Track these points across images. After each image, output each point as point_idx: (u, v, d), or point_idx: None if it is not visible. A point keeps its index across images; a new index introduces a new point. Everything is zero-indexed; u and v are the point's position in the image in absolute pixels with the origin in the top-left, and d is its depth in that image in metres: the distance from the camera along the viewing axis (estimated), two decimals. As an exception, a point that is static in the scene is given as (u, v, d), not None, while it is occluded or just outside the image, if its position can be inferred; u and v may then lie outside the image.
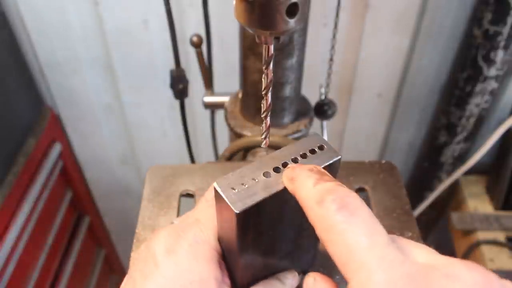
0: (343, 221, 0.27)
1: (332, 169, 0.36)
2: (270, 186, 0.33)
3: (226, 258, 0.37)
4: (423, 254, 0.28)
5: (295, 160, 0.35)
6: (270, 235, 0.37)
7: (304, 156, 0.36)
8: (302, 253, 0.44)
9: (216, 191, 0.33)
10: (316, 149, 0.36)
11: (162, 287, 0.33)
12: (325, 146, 0.37)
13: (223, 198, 0.32)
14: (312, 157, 0.36)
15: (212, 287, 0.33)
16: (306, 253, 0.45)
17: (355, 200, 0.29)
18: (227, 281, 0.36)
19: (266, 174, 0.34)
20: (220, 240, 0.37)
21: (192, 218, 0.37)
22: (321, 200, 0.29)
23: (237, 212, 0.31)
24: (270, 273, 0.41)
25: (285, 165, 0.35)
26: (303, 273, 0.47)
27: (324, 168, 0.35)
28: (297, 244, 0.42)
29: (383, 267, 0.25)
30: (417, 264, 0.26)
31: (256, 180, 0.33)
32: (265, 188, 0.33)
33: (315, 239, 0.44)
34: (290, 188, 0.33)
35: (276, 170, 0.34)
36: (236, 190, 0.32)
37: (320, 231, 0.28)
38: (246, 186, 0.33)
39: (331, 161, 0.36)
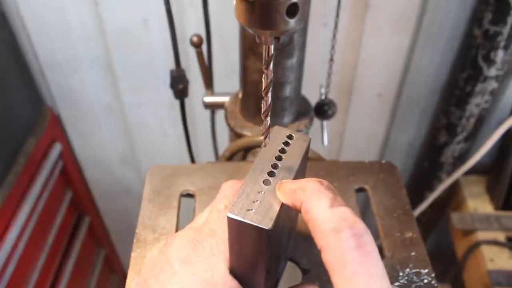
0: (358, 261, 0.28)
1: (307, 152, 0.38)
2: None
3: (242, 279, 0.37)
4: None
5: (279, 158, 0.37)
6: (281, 237, 0.37)
7: (283, 151, 0.37)
8: (291, 241, 0.45)
9: (234, 220, 0.32)
10: (288, 140, 0.38)
11: None
12: (293, 135, 0.38)
13: (248, 223, 0.32)
14: (291, 149, 0.37)
15: None
16: (290, 240, 0.46)
17: (371, 240, 0.29)
18: None
19: (266, 182, 0.35)
20: (233, 264, 0.36)
21: (207, 228, 0.38)
22: (338, 230, 0.29)
23: (269, 228, 0.31)
24: (278, 273, 0.41)
25: (275, 166, 0.36)
26: (290, 260, 0.48)
27: (305, 153, 0.37)
28: (290, 234, 0.43)
29: None
30: None
31: (263, 192, 0.34)
32: (275, 196, 0.34)
33: (294, 225, 0.45)
34: (292, 201, 0.32)
35: (271, 174, 0.35)
36: (253, 210, 0.32)
37: (329, 260, 0.29)
38: (258, 201, 0.33)
39: (307, 146, 0.38)
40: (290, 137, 0.38)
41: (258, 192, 0.34)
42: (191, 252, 0.35)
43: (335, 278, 0.28)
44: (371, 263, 0.28)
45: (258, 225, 0.31)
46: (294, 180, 0.34)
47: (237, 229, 0.33)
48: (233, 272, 0.36)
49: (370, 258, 0.28)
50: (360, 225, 0.30)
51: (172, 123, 1.33)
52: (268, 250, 0.33)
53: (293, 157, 0.37)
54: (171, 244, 0.37)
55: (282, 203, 0.33)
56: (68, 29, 1.11)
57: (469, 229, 1.26)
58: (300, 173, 0.38)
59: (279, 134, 0.39)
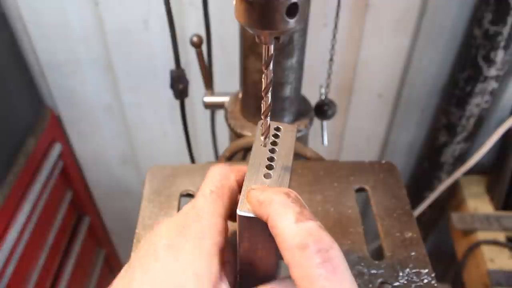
0: (325, 277, 0.28)
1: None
2: (279, 182, 0.35)
3: (247, 271, 0.37)
4: None
5: (273, 151, 0.38)
6: None
7: (274, 143, 0.38)
8: None
9: (245, 218, 0.33)
10: (277, 132, 0.39)
11: (159, 279, 0.33)
12: (280, 126, 0.40)
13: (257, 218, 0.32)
14: (282, 140, 0.39)
15: (210, 282, 0.33)
16: None
17: (338, 253, 0.29)
18: (228, 279, 0.36)
19: (267, 176, 0.35)
20: (244, 261, 0.37)
21: (193, 213, 0.37)
22: (304, 247, 0.29)
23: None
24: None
25: (271, 159, 0.37)
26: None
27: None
28: None
29: None
30: None
31: (267, 186, 0.35)
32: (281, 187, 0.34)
33: None
34: (259, 212, 0.32)
35: (270, 167, 0.36)
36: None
37: (297, 278, 0.29)
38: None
39: (295, 135, 0.40)
40: (277, 129, 0.40)
41: None
42: (175, 237, 0.35)
43: None
44: (338, 278, 0.28)
45: None
46: (262, 188, 0.34)
47: (247, 226, 0.34)
48: (243, 267, 0.37)
49: (338, 273, 0.28)
50: (326, 239, 0.29)
51: (172, 123, 1.33)
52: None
53: (285, 148, 0.38)
54: (157, 229, 0.37)
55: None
56: (68, 29, 1.11)
57: (469, 229, 1.26)
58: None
59: (262, 128, 0.39)
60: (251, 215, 0.32)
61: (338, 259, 0.29)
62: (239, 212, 0.33)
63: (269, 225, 0.31)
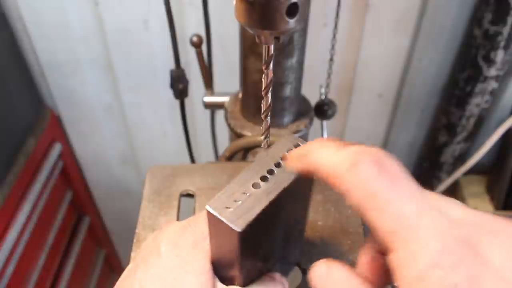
0: (387, 186, 0.25)
1: None
2: (263, 196, 0.32)
3: (221, 271, 0.37)
4: (457, 210, 0.27)
5: (278, 165, 0.34)
6: (266, 241, 0.37)
7: (285, 157, 0.34)
8: (292, 246, 0.45)
9: (210, 213, 0.32)
10: (293, 149, 0.35)
11: (160, 275, 0.33)
12: (301, 144, 0.36)
13: (221, 220, 0.31)
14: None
15: (208, 280, 0.33)
16: (296, 245, 0.45)
17: (394, 162, 0.26)
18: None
19: (255, 186, 0.33)
20: (213, 256, 0.36)
21: (202, 217, 0.37)
22: (354, 163, 0.26)
23: (240, 231, 0.31)
24: (266, 270, 0.41)
25: (270, 172, 0.34)
26: (297, 266, 0.47)
27: None
28: (288, 240, 0.42)
29: (434, 234, 0.23)
30: (461, 225, 0.25)
31: (248, 194, 0.32)
32: (260, 200, 0.32)
33: (303, 229, 0.44)
34: (301, 166, 0.30)
35: (264, 179, 0.34)
36: (232, 209, 0.31)
37: (358, 201, 0.25)
38: (240, 202, 0.32)
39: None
40: (297, 145, 0.36)
41: (243, 193, 0.33)
42: (179, 236, 0.35)
43: (370, 216, 0.25)
44: (402, 185, 0.25)
45: (229, 225, 0.31)
46: (301, 147, 0.32)
47: (212, 223, 0.33)
48: (213, 262, 0.36)
49: (399, 180, 0.25)
50: (377, 150, 0.26)
51: (172, 123, 1.33)
52: (240, 251, 0.33)
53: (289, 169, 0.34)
54: (164, 229, 0.37)
55: (265, 208, 0.32)
56: (68, 29, 1.11)
57: (469, 229, 1.26)
58: (301, 185, 0.36)
59: (288, 141, 0.36)
60: (216, 214, 0.31)
61: (395, 166, 0.26)
62: (207, 207, 0.32)
63: (315, 172, 0.29)
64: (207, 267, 0.34)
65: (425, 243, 0.23)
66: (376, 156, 0.26)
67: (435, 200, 0.28)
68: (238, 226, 0.31)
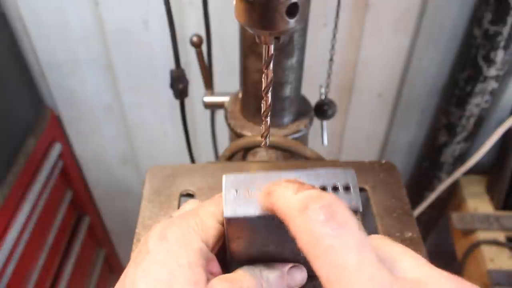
0: (331, 235, 0.25)
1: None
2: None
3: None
4: (410, 267, 0.27)
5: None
6: (262, 246, 0.36)
7: (323, 189, 0.32)
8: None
9: (222, 183, 0.33)
10: (339, 188, 0.33)
11: (151, 270, 0.33)
12: (352, 188, 0.33)
13: (222, 195, 0.32)
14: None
15: (199, 273, 0.33)
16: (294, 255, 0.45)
17: (344, 209, 0.26)
18: (216, 270, 0.36)
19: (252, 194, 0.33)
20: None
21: (193, 211, 0.37)
22: (304, 208, 0.26)
23: (225, 216, 0.32)
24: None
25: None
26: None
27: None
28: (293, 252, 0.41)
29: None
30: (403, 281, 0.25)
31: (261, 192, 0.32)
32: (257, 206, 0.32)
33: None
34: (266, 204, 0.31)
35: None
36: (237, 194, 0.32)
37: (303, 244, 0.26)
38: (249, 193, 0.32)
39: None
40: (346, 188, 0.33)
41: (259, 189, 0.32)
42: (166, 230, 0.35)
43: (313, 263, 0.25)
44: (347, 235, 0.25)
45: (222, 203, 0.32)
46: (268, 185, 0.32)
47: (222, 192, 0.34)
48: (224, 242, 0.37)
49: (345, 229, 0.25)
50: (327, 197, 0.27)
51: (172, 123, 1.33)
52: (229, 237, 0.34)
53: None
54: (152, 228, 0.37)
55: (262, 216, 0.32)
56: (68, 29, 1.11)
57: (469, 229, 1.26)
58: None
59: (341, 176, 0.33)
60: (224, 189, 0.33)
61: (344, 214, 0.26)
62: (224, 175, 0.33)
63: (275, 211, 0.30)
64: (196, 260, 0.34)
65: None
66: (327, 202, 0.26)
67: (386, 251, 0.28)
68: (226, 211, 0.32)
